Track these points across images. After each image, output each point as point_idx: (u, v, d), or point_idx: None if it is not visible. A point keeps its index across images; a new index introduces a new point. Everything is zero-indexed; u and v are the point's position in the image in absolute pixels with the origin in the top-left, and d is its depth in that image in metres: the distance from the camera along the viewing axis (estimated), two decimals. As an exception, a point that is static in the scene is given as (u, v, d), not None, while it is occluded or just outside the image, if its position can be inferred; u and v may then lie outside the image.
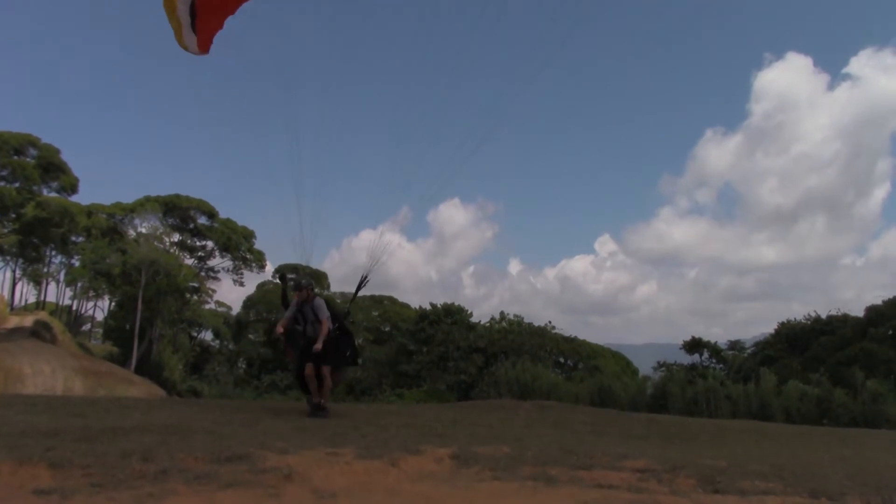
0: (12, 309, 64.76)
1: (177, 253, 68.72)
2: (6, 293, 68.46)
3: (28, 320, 54.01)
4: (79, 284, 67.34)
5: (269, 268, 77.73)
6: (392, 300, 77.19)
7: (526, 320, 60.59)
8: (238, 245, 73.38)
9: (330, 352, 11.19)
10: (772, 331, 56.89)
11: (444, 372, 54.39)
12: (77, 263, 65.07)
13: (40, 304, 75.60)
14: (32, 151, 64.85)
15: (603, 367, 52.57)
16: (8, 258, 67.98)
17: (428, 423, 11.52)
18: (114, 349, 62.72)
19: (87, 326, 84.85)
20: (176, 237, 71.12)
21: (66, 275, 69.79)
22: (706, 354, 51.87)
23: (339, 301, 72.90)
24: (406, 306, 74.31)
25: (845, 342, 46.25)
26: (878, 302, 49.39)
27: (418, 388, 53.56)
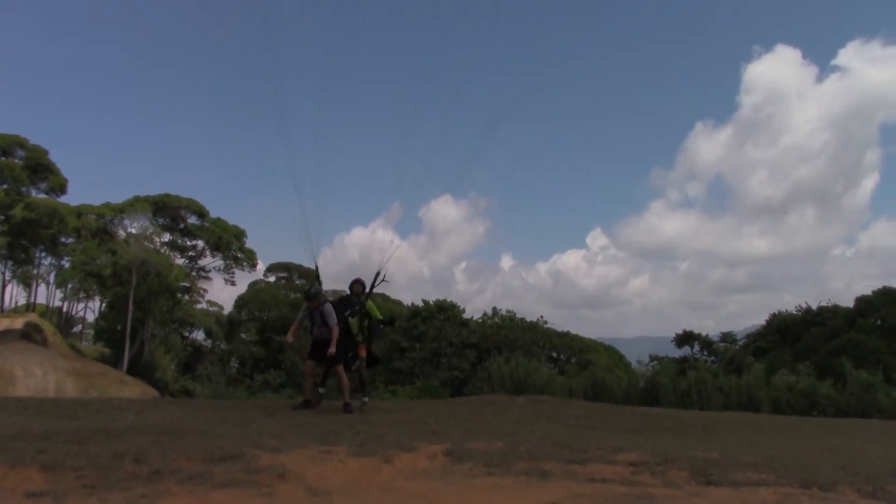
0: (2, 311, 64.51)
1: (167, 253, 68.43)
2: (-5, 296, 68.15)
3: (18, 322, 53.72)
4: (69, 286, 66.93)
5: (261, 266, 77.55)
6: (384, 297, 77.13)
7: (518, 315, 60.74)
8: (229, 244, 73.13)
9: (336, 352, 11.90)
10: (763, 322, 57.18)
11: (436, 368, 54.44)
12: (67, 265, 64.69)
13: (30, 306, 75.17)
14: (20, 152, 64.41)
15: (596, 361, 52.70)
16: (-3, 260, 67.56)
17: (421, 419, 11.53)
18: (105, 350, 62.46)
19: (78, 328, 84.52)
20: (166, 237, 70.86)
21: (56, 276, 69.37)
22: (698, 347, 52.14)
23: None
24: (398, 303, 74.25)
25: (835, 333, 46.51)
26: (868, 292, 49.78)
27: (411, 384, 53.57)
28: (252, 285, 76.03)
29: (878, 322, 45.68)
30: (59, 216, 62.14)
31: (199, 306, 76.40)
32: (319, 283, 13.50)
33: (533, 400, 20.65)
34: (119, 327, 60.12)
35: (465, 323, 59.29)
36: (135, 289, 57.37)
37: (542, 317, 60.80)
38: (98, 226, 66.75)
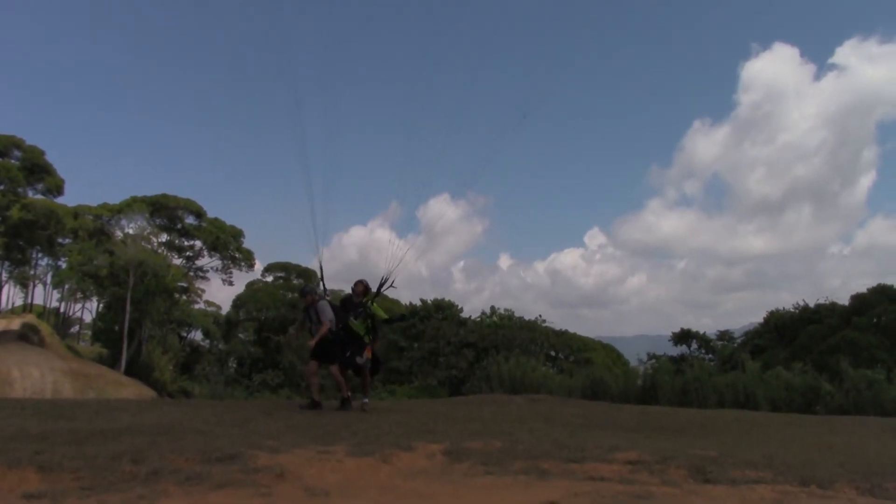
0: (-1, 312, 64.36)
1: (165, 253, 68.32)
2: (-7, 296, 68.10)
3: (15, 323, 53.61)
4: (66, 286, 66.90)
5: (259, 266, 77.49)
6: (382, 296, 76.97)
7: (517, 314, 60.88)
8: (226, 244, 73.06)
9: (334, 351, 12.15)
10: (761, 320, 57.26)
11: (435, 367, 54.51)
12: (64, 265, 64.60)
13: (27, 307, 75.08)
14: (17, 153, 64.23)
15: (594, 360, 52.79)
16: (-7, 261, 67.46)
17: (419, 418, 11.54)
18: (103, 351, 62.35)
19: (75, 328, 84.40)
20: (164, 237, 70.72)
21: (53, 277, 69.33)
22: (695, 345, 52.18)
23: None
24: (396, 302, 74.30)
25: (831, 331, 46.62)
26: (863, 290, 49.90)
27: (409, 384, 53.68)
28: (250, 285, 75.95)
29: (874, 320, 45.78)
30: (56, 217, 62.05)
31: (196, 306, 76.30)
32: (324, 284, 13.58)
33: (531, 399, 20.69)
34: (116, 328, 60.00)
35: (463, 322, 59.37)
36: (132, 289, 57.26)
37: (540, 316, 60.95)
38: (95, 226, 66.64)
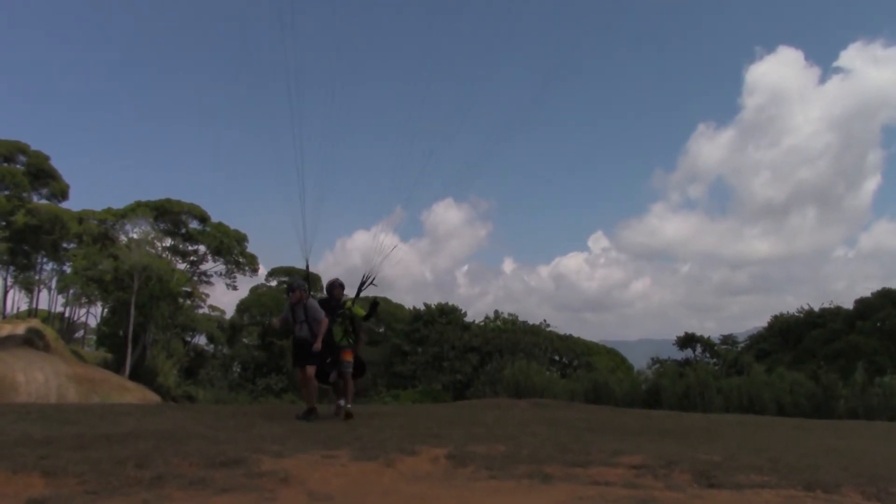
0: (4, 317, 64.44)
1: (169, 258, 68.46)
2: (-3, 301, 68.17)
3: (20, 328, 53.63)
4: (71, 291, 67.01)
5: (263, 271, 77.55)
6: (386, 301, 77.14)
7: (520, 319, 60.88)
8: (230, 249, 73.09)
9: (314, 354, 11.39)
10: (765, 324, 57.12)
11: (439, 372, 54.50)
12: (69, 270, 64.76)
13: (32, 312, 75.09)
14: (22, 158, 64.46)
15: (597, 364, 52.71)
16: (-2, 266, 67.63)
17: (423, 423, 11.54)
18: (107, 355, 62.40)
19: (79, 333, 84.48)
20: (168, 242, 70.87)
21: (57, 282, 69.40)
22: (700, 349, 52.06)
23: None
24: (400, 307, 74.28)
25: (835, 335, 46.46)
26: (868, 294, 49.72)
27: (413, 388, 53.63)
28: (254, 290, 76.04)
29: (878, 324, 45.61)
30: (61, 222, 62.21)
31: (200, 311, 76.35)
32: (308, 283, 12.79)
33: (535, 403, 20.69)
34: (121, 333, 60.09)
35: (467, 326, 59.38)
36: (136, 294, 57.36)
37: (545, 320, 60.97)
38: (100, 231, 66.78)
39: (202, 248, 73.53)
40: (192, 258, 74.40)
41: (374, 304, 12.67)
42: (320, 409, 12.43)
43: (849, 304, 51.09)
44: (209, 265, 75.38)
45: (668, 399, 26.25)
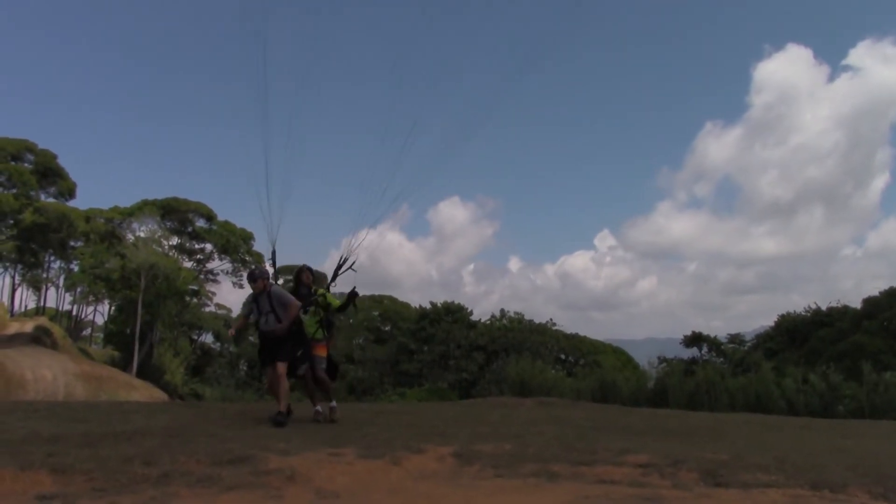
0: (12, 315, 64.76)
1: (176, 256, 68.74)
2: (6, 299, 68.61)
3: (28, 326, 53.99)
4: (78, 289, 67.47)
5: (269, 270, 77.63)
6: (392, 299, 77.22)
7: (527, 317, 60.79)
8: (237, 247, 73.31)
9: (285, 348, 9.99)
10: (772, 323, 56.88)
11: (445, 370, 54.50)
12: (76, 268, 65.15)
13: (40, 310, 75.55)
14: (29, 157, 64.84)
15: (603, 363, 52.61)
16: (7, 264, 68.02)
17: (429, 421, 11.53)
18: (114, 353, 62.73)
19: (87, 331, 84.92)
20: (174, 240, 71.19)
21: (65, 280, 69.93)
22: (706, 348, 51.88)
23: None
24: (406, 305, 74.31)
25: (842, 335, 46.23)
26: (876, 293, 49.43)
27: (420, 387, 53.66)
28: (260, 288, 76.15)
29: (885, 324, 45.35)
30: (68, 220, 62.53)
31: (207, 309, 76.69)
32: (275, 270, 11.42)
33: (541, 402, 20.69)
34: (128, 331, 60.38)
35: (473, 325, 59.34)
36: (143, 292, 57.60)
37: (551, 319, 60.88)
38: (107, 229, 67.12)
39: (209, 247, 73.86)
40: (198, 256, 74.73)
41: (353, 293, 11.04)
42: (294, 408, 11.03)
43: (857, 304, 50.82)
44: (216, 263, 75.72)
45: (674, 398, 26.19)
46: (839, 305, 52.41)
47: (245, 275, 10.50)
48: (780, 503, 5.65)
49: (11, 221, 61.70)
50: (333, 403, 10.91)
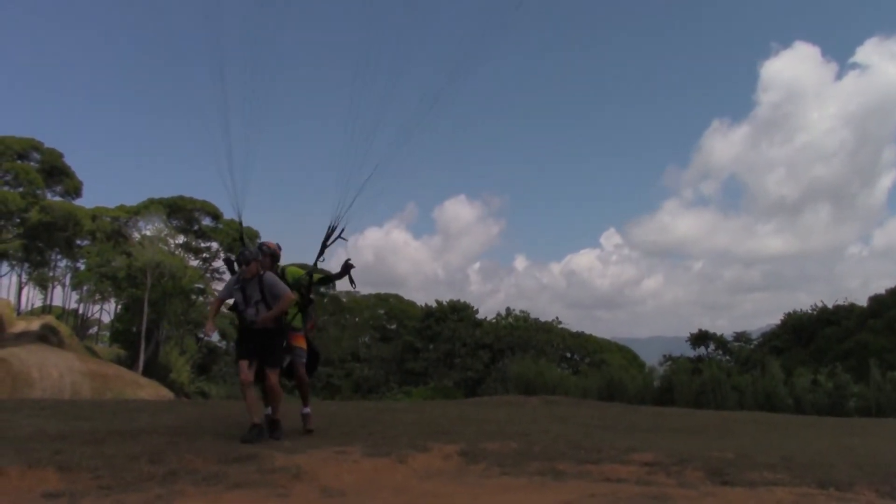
0: (19, 313, 64.95)
1: (182, 255, 68.82)
2: (13, 298, 68.75)
3: (35, 324, 54.14)
4: (84, 288, 67.55)
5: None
6: (398, 298, 77.28)
7: (532, 316, 60.82)
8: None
9: (273, 348, 8.45)
10: (778, 322, 56.72)
11: (450, 369, 54.58)
12: (82, 267, 65.27)
13: (46, 308, 75.74)
14: (36, 156, 64.97)
15: (609, 362, 52.61)
16: (13, 263, 68.18)
17: (435, 419, 11.53)
18: (121, 352, 62.90)
19: (93, 329, 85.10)
20: (181, 239, 71.31)
21: (71, 278, 69.96)
22: (712, 347, 51.80)
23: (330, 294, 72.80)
24: (412, 304, 74.35)
25: (848, 333, 46.08)
26: (882, 291, 49.24)
27: (425, 385, 53.78)
28: (266, 287, 76.21)
29: (891, 322, 45.14)
30: (75, 219, 62.63)
31: (213, 308, 76.55)
32: (244, 245, 9.13)
33: (547, 400, 20.68)
34: (134, 329, 60.55)
35: (479, 323, 59.39)
36: (149, 291, 57.73)
37: (556, 317, 60.88)
38: (113, 228, 67.26)
39: (215, 245, 73.88)
40: (204, 255, 74.83)
41: (347, 265, 9.24)
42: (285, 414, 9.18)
43: (863, 302, 50.63)
44: (222, 262, 75.64)
45: (681, 396, 26.16)
46: (845, 304, 52.23)
47: (235, 257, 7.64)
48: (786, 501, 5.62)
49: (18, 220, 61.89)
50: (307, 409, 9.14)
